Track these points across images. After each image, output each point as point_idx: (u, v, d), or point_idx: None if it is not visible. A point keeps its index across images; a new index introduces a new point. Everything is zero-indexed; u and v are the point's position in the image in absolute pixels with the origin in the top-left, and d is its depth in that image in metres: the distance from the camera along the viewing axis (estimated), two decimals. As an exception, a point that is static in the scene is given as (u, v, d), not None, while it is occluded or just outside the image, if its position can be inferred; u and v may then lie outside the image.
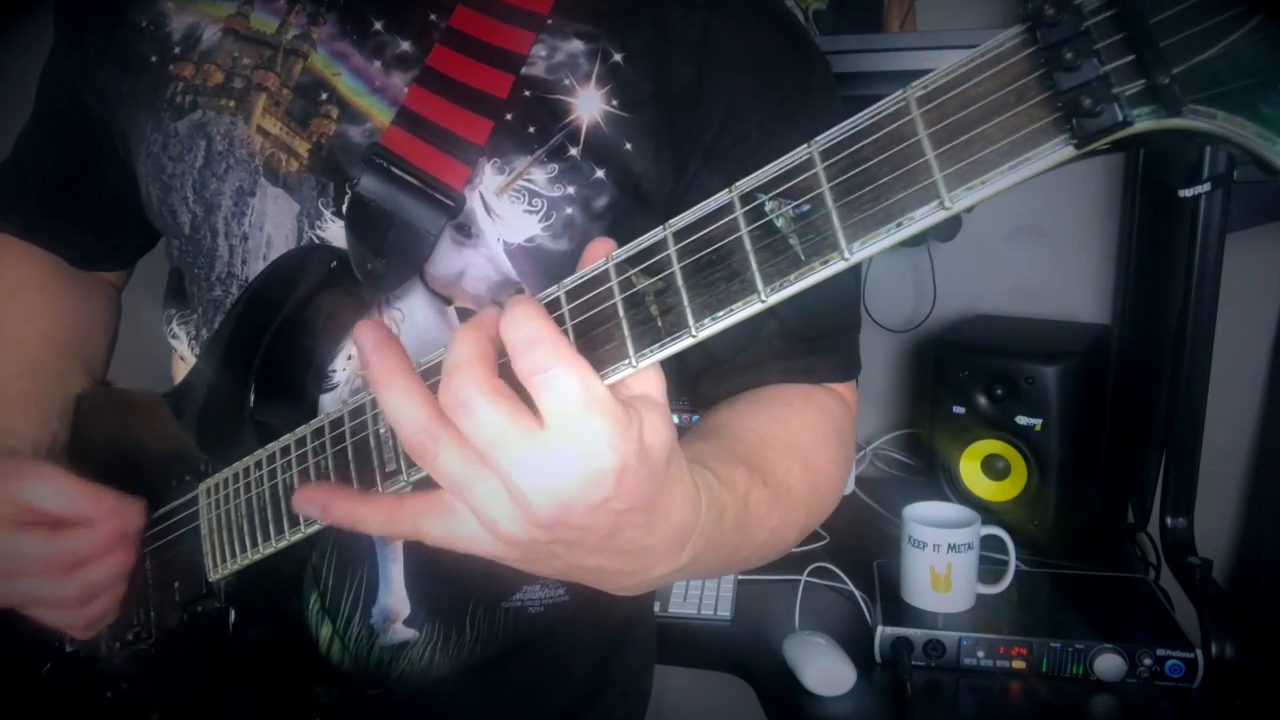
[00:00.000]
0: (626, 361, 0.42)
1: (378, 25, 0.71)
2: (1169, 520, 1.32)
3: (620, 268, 0.43)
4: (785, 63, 0.72)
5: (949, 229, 1.57)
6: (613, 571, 0.51)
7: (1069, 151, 0.31)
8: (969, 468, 1.44)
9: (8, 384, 0.84)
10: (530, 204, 0.68)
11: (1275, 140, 0.26)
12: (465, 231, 0.69)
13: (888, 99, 0.34)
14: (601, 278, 0.43)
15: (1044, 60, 0.30)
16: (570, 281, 0.45)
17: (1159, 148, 1.27)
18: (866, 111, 0.36)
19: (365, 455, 0.55)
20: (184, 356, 0.80)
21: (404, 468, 0.53)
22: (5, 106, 0.92)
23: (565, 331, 0.44)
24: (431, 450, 0.45)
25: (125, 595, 0.74)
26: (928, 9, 1.52)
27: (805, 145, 0.38)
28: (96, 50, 0.79)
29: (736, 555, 0.61)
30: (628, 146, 0.69)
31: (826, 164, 0.37)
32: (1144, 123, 0.29)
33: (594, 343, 0.43)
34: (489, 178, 0.68)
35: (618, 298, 0.43)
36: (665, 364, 0.44)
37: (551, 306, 0.45)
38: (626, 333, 0.42)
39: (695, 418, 1.57)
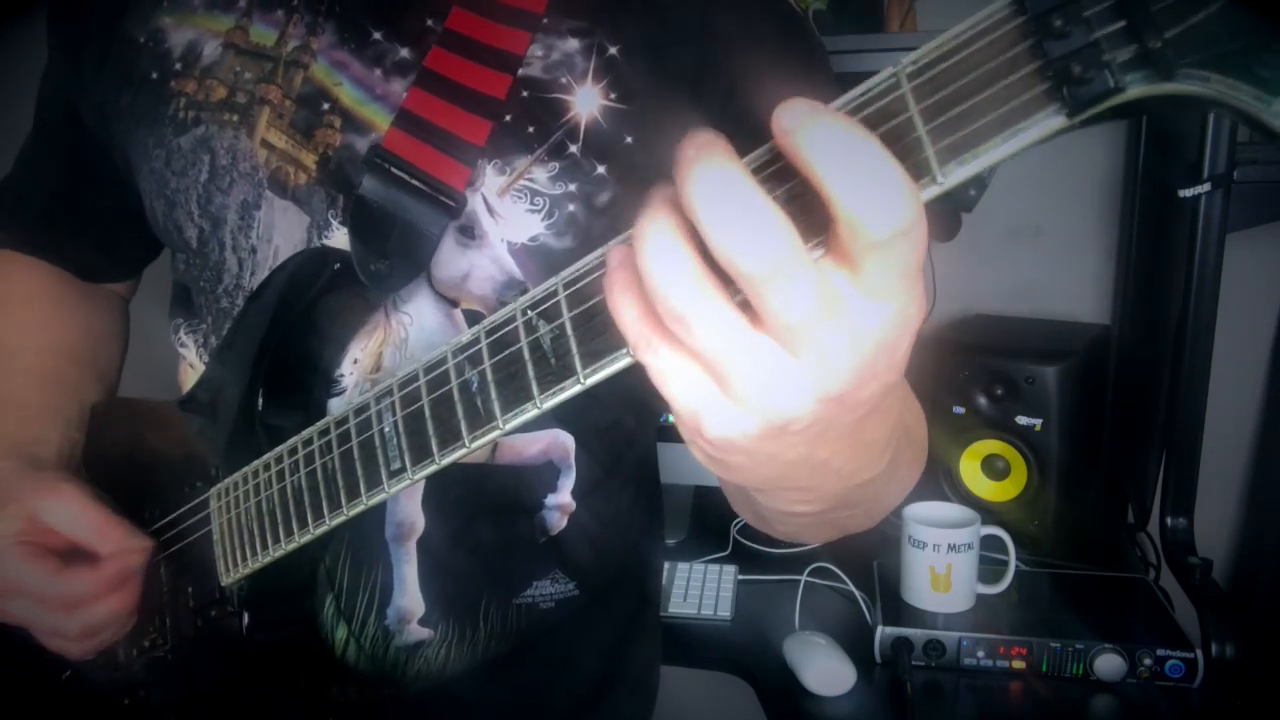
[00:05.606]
0: (624, 350, 0.42)
1: (376, 35, 0.71)
2: (1169, 520, 1.31)
3: None
4: (786, 44, 0.72)
5: (949, 229, 1.56)
6: (835, 470, 0.42)
7: (1061, 121, 0.30)
8: (969, 468, 1.43)
9: (30, 393, 0.84)
10: (532, 203, 0.68)
11: (1271, 101, 0.26)
12: (469, 233, 0.69)
13: (879, 75, 0.34)
14: (597, 268, 0.43)
15: (1034, 29, 0.30)
16: (569, 273, 0.44)
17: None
18: (858, 89, 0.35)
19: (371, 453, 0.55)
20: (192, 364, 0.80)
21: (409, 465, 0.53)
22: (6, 119, 0.91)
23: (563, 324, 0.43)
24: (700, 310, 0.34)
25: (134, 623, 0.74)
26: (928, 9, 1.52)
27: None
28: (92, 65, 0.79)
29: (894, 483, 0.56)
30: (628, 140, 0.69)
31: None
32: (1136, 89, 0.29)
33: (592, 332, 0.43)
34: (490, 179, 0.68)
35: None
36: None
37: (548, 298, 0.44)
38: None
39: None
